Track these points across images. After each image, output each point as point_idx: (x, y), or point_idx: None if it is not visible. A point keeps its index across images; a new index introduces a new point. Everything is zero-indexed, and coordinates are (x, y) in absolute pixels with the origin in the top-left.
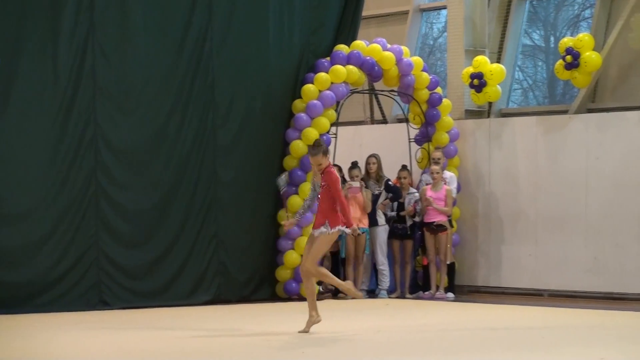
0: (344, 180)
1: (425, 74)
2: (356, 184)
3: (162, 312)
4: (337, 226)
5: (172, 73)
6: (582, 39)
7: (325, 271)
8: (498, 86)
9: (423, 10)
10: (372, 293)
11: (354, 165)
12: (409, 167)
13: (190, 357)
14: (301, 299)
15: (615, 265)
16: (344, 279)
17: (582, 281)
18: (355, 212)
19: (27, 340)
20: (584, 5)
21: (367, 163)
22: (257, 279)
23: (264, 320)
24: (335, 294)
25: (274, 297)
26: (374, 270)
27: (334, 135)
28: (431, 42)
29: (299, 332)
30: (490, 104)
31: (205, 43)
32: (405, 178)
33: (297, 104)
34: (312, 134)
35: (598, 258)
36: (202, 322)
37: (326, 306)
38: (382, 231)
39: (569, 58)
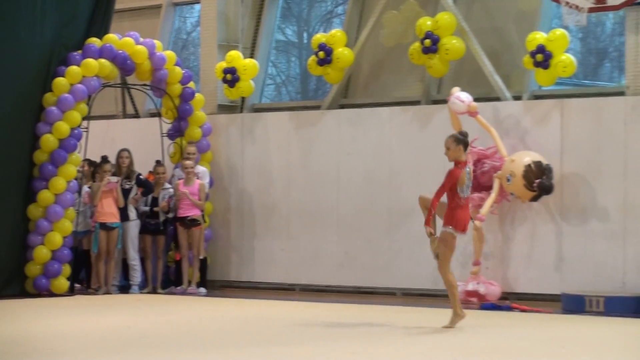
0: (92, 176)
1: (178, 68)
2: (114, 179)
3: None
4: (449, 226)
5: None
6: (335, 35)
7: (454, 283)
8: (251, 81)
9: (176, 4)
10: (123, 289)
11: (105, 159)
12: (162, 162)
13: None
14: (51, 294)
15: (365, 260)
16: (96, 274)
17: (333, 275)
18: (111, 208)
19: None
20: (336, 2)
21: (119, 157)
22: (5, 275)
23: (15, 318)
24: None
25: (23, 294)
26: (125, 266)
27: (86, 129)
28: (185, 37)
29: (443, 327)
30: (243, 99)
31: None
32: (163, 173)
33: (48, 97)
34: (63, 127)
35: (349, 252)
36: None
37: (78, 302)
38: (134, 226)
39: (321, 54)
